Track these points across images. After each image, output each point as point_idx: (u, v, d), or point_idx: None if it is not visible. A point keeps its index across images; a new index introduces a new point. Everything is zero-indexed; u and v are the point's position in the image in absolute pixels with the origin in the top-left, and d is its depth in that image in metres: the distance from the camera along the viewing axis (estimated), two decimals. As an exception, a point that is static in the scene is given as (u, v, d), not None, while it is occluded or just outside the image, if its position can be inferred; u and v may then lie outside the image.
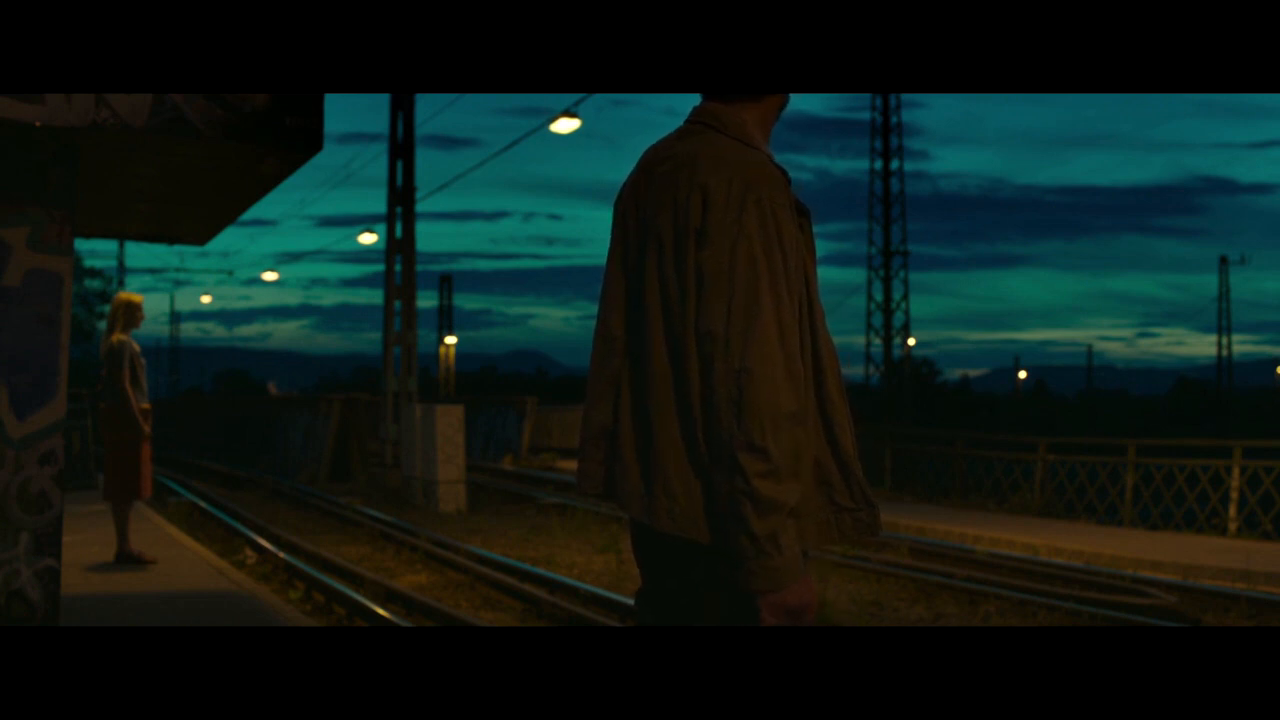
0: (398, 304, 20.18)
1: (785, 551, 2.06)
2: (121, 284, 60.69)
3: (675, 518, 2.14)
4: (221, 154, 4.53)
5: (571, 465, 23.58)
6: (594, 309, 2.42)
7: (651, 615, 2.31)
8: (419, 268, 20.37)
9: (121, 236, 7.87)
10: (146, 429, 8.70)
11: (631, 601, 2.46)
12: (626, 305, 2.28)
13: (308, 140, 4.27)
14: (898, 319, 39.34)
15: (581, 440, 2.34)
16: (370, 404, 23.45)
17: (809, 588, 2.11)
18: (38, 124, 3.91)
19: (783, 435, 2.05)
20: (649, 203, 2.26)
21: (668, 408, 2.16)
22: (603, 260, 2.44)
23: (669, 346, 2.17)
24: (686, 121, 2.36)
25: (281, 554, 10.87)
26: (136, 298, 8.89)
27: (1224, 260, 66.86)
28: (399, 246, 20.02)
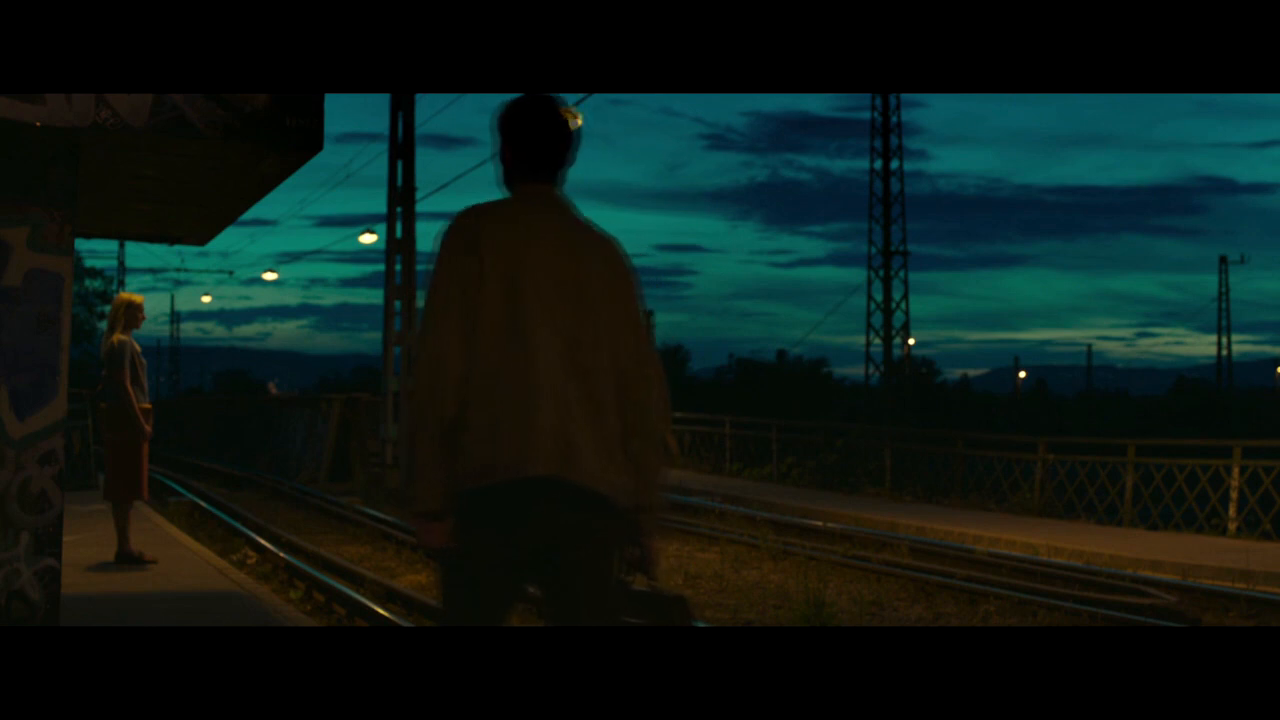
0: (398, 304, 20.15)
1: None
2: (121, 284, 60.65)
3: (616, 487, 2.93)
4: (222, 154, 4.53)
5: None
6: None
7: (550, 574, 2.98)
8: (419, 268, 20.35)
9: (121, 236, 7.87)
10: (148, 429, 8.71)
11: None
12: (555, 332, 2.90)
13: (308, 140, 4.27)
14: (898, 319, 39.27)
15: (531, 437, 2.86)
16: (370, 404, 23.41)
17: None
18: (38, 124, 3.91)
19: None
20: (577, 262, 2.97)
21: (614, 410, 2.97)
22: None
23: (615, 368, 2.97)
24: (546, 200, 3.02)
25: (282, 554, 10.87)
26: (137, 298, 8.91)
27: (1224, 260, 66.72)
28: (399, 246, 19.99)
